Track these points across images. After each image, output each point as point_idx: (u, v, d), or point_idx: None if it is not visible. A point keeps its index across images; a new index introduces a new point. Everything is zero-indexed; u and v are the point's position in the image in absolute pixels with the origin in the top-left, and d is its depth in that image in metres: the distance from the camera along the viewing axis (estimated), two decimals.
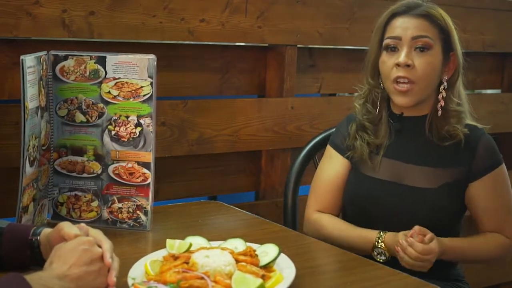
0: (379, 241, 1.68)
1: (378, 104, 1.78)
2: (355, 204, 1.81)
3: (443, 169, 1.73)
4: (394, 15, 1.73)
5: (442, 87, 1.73)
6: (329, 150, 1.88)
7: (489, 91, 3.22)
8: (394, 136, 1.79)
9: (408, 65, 1.68)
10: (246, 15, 2.26)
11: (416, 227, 1.60)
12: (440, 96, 1.73)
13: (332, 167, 1.85)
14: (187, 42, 2.21)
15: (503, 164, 1.78)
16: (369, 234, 1.71)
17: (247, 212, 1.91)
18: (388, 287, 1.41)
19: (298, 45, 2.41)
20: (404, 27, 1.70)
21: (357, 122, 1.82)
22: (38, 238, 1.31)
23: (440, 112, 1.73)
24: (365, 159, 1.78)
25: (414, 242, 1.58)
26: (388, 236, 1.66)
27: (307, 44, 2.46)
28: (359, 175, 1.80)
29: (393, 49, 1.71)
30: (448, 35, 1.72)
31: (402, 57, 1.69)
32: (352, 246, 1.71)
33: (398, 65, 1.69)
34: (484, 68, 3.05)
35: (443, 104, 1.73)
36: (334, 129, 1.93)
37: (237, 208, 1.94)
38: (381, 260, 1.67)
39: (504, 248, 1.77)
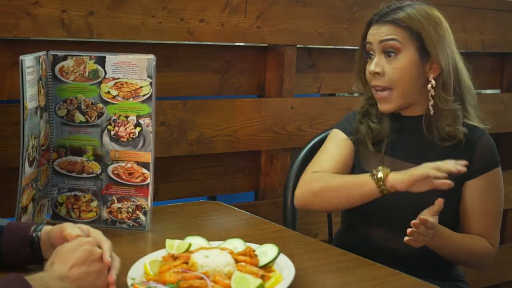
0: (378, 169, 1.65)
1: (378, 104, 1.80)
2: None
3: None
4: (369, 24, 1.77)
5: (430, 85, 1.73)
6: (336, 132, 1.86)
7: (488, 91, 3.22)
8: (395, 135, 1.79)
9: (377, 73, 1.72)
10: (245, 15, 2.26)
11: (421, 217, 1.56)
12: (429, 96, 1.73)
13: (337, 145, 1.83)
14: (186, 42, 2.21)
15: (499, 167, 1.77)
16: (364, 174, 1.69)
17: (246, 212, 1.91)
18: (388, 287, 1.41)
19: (298, 45, 2.41)
20: (374, 33, 1.74)
21: (363, 109, 1.84)
22: (39, 234, 1.31)
23: (432, 111, 1.73)
24: (368, 145, 1.77)
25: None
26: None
27: (306, 44, 2.46)
28: (360, 172, 1.80)
29: (370, 56, 1.75)
30: (421, 36, 1.70)
31: (371, 65, 1.73)
32: (350, 182, 1.69)
33: (370, 73, 1.74)
34: (483, 68, 3.05)
35: (432, 103, 1.73)
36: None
37: (236, 208, 1.94)
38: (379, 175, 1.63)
39: (488, 253, 1.75)
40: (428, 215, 1.56)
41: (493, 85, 3.14)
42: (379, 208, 1.74)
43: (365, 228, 1.80)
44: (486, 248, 1.74)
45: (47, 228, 1.32)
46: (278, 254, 1.36)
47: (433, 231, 1.57)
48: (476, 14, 2.85)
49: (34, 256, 1.32)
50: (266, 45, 2.38)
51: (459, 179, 1.72)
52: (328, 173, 1.77)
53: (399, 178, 1.61)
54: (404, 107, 1.76)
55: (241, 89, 2.37)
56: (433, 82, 1.72)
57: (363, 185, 1.66)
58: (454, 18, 2.77)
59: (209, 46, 2.27)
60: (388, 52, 1.71)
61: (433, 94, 1.73)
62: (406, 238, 1.54)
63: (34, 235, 1.32)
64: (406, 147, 1.78)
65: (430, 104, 1.73)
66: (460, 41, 2.79)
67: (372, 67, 1.73)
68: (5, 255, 1.33)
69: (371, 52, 1.75)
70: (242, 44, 2.35)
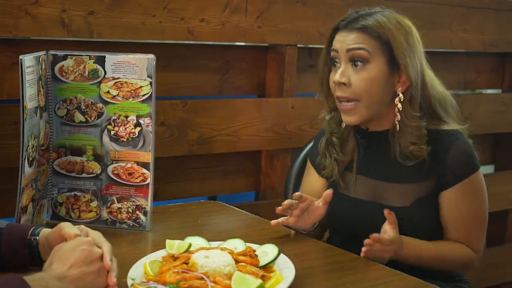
0: None
1: (342, 120, 1.72)
2: (335, 223, 1.79)
3: (415, 184, 1.68)
4: (336, 30, 1.69)
5: (397, 99, 1.65)
6: (308, 163, 1.88)
7: (489, 91, 3.22)
8: (363, 152, 1.75)
9: (343, 83, 1.64)
10: (246, 15, 2.25)
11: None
12: (396, 110, 1.66)
13: (310, 182, 1.86)
14: (187, 42, 2.21)
15: (478, 171, 1.69)
16: None
17: (247, 212, 1.90)
18: (388, 287, 1.40)
19: (298, 45, 2.41)
20: (341, 40, 1.66)
21: (326, 136, 1.80)
22: (37, 238, 1.31)
23: (398, 127, 1.66)
24: (336, 178, 1.75)
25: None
26: None
27: (307, 44, 2.45)
28: (336, 194, 1.73)
29: (335, 64, 1.67)
30: (390, 46, 1.63)
31: (337, 75, 1.65)
32: None
33: (334, 83, 1.66)
34: (484, 68, 3.04)
35: (399, 118, 1.66)
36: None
37: (237, 208, 1.94)
38: None
39: (468, 260, 1.70)
40: (388, 230, 1.53)
41: (494, 85, 3.14)
42: (359, 229, 1.67)
43: (345, 245, 1.76)
44: (466, 255, 1.69)
45: (45, 231, 1.32)
46: (279, 254, 1.36)
47: (393, 247, 1.53)
48: (477, 14, 2.84)
49: (33, 259, 1.31)
50: (266, 45, 2.37)
51: (435, 193, 1.68)
52: None
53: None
54: (369, 121, 1.69)
55: (241, 89, 2.37)
56: (401, 96, 1.65)
57: None
58: (455, 17, 2.77)
59: (209, 46, 2.27)
60: (355, 61, 1.63)
61: (400, 109, 1.65)
62: (361, 254, 1.51)
63: (32, 239, 1.31)
64: (376, 164, 1.73)
65: (396, 119, 1.66)
66: (461, 41, 2.80)
67: (337, 76, 1.64)
68: (4, 256, 1.32)
69: (336, 60, 1.67)
70: (242, 44, 2.34)
